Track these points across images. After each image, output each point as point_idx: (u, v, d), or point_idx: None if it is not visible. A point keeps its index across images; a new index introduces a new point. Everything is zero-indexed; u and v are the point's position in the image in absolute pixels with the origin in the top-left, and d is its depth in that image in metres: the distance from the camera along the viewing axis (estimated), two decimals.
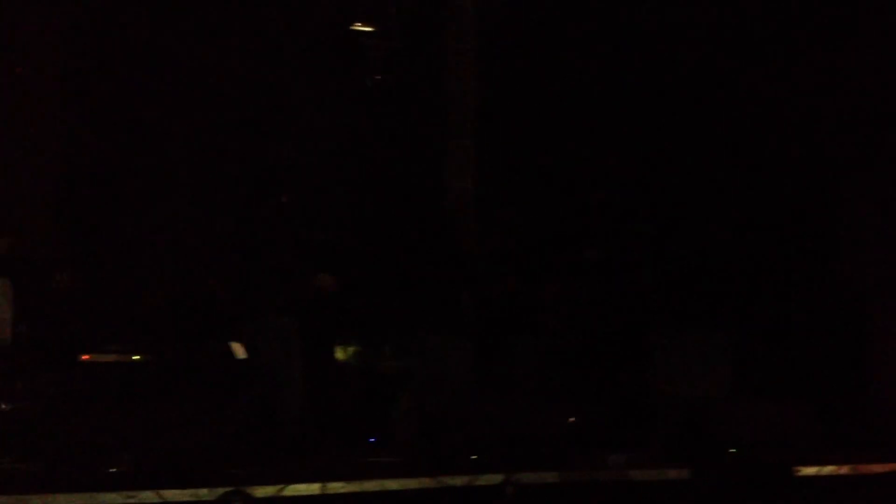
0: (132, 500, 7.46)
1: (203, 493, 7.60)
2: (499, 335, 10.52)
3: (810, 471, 8.90)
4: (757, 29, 11.57)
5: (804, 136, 11.38)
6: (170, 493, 7.56)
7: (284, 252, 9.00)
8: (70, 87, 10.99)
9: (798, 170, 11.45)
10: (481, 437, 9.08)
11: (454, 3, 12.73)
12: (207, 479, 7.83)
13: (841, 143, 11.18)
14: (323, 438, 9.22)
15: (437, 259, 10.08)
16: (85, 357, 9.06)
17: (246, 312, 8.99)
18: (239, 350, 9.64)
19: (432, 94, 12.73)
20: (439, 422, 9.09)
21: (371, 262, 11.24)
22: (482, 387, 10.08)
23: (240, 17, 11.69)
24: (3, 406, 8.40)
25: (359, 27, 12.27)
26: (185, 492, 7.60)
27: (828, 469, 8.95)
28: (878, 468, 9.00)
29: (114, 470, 8.05)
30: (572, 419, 9.80)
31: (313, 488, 7.96)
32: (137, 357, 9.46)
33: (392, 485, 8.18)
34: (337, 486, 8.04)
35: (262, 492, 7.74)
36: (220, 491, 7.54)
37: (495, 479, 8.36)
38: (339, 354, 10.56)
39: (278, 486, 7.84)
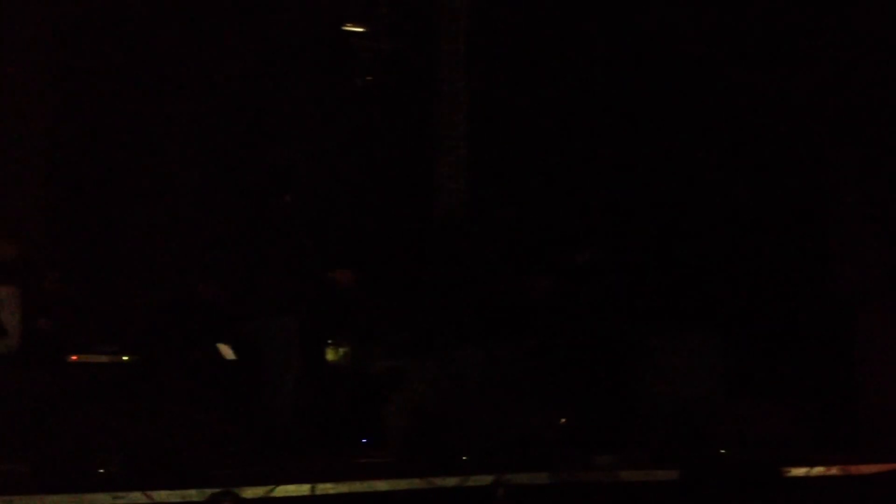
0: (121, 501, 7.45)
1: (192, 493, 7.58)
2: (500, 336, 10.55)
3: (800, 471, 8.89)
4: (748, 31, 11.58)
5: (795, 140, 11.39)
6: (158, 494, 7.54)
7: (286, 251, 9.01)
8: (61, 88, 10.97)
9: (789, 173, 11.47)
10: (472, 437, 9.08)
11: (446, 4, 12.75)
12: (196, 479, 7.82)
13: (832, 148, 11.20)
14: (314, 439, 9.22)
15: (433, 260, 10.10)
16: (74, 358, 9.05)
17: (245, 312, 9.00)
18: (227, 351, 9.64)
19: (424, 95, 12.74)
20: (437, 422, 9.10)
21: (364, 262, 11.23)
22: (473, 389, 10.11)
23: (231, 17, 11.68)
24: None
25: (350, 28, 12.26)
26: (174, 492, 7.58)
27: (817, 470, 8.95)
28: (867, 469, 9.00)
29: (102, 471, 8.03)
30: (563, 420, 9.80)
31: (303, 489, 7.95)
32: (126, 358, 9.45)
33: (382, 485, 8.17)
34: (327, 487, 8.02)
35: (251, 492, 7.72)
36: (210, 492, 7.51)
37: (486, 479, 8.35)
38: (331, 354, 10.56)
39: (268, 487, 7.83)
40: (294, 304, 8.91)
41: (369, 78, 12.41)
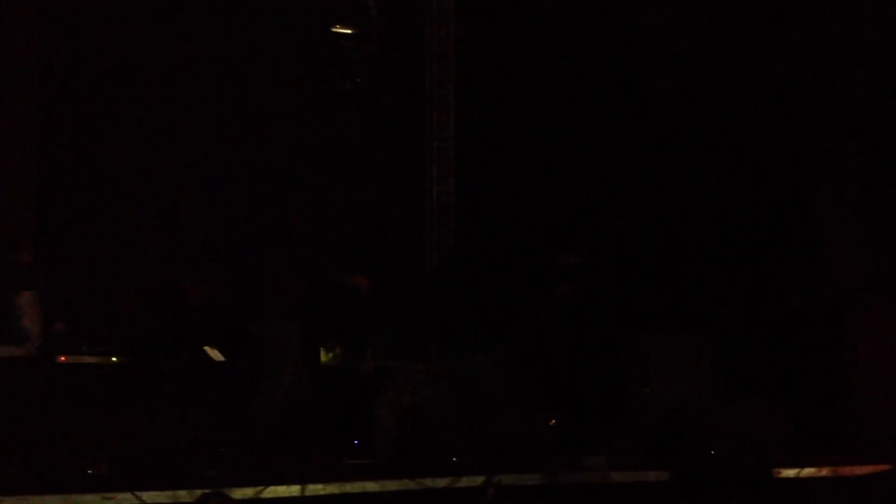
0: (110, 502, 7.42)
1: (182, 494, 7.56)
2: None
3: (790, 472, 8.91)
4: (732, 30, 11.61)
5: (783, 139, 11.42)
6: (148, 495, 7.52)
7: (290, 254, 9.03)
8: (49, 86, 10.93)
9: (778, 174, 11.49)
10: (463, 438, 9.07)
11: (435, 6, 12.76)
12: (186, 480, 7.80)
13: (820, 150, 11.22)
14: (305, 440, 9.21)
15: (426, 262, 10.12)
16: (62, 359, 9.01)
17: (244, 314, 9.01)
18: (215, 354, 9.63)
19: (414, 98, 12.75)
20: (427, 424, 9.09)
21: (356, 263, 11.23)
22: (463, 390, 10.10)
23: (221, 19, 11.66)
24: None
25: (339, 30, 12.25)
26: (164, 493, 7.56)
27: (807, 471, 8.97)
28: (857, 470, 9.02)
29: (92, 471, 8.02)
30: (553, 421, 9.80)
31: (293, 490, 7.93)
32: (115, 359, 9.42)
33: (372, 486, 8.16)
34: (317, 488, 8.01)
35: (240, 493, 7.70)
36: (199, 492, 7.49)
37: (476, 480, 8.35)
38: (322, 355, 10.54)
39: (257, 488, 7.81)
40: (297, 308, 8.93)
41: (358, 80, 12.38)
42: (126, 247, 10.98)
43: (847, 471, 9.02)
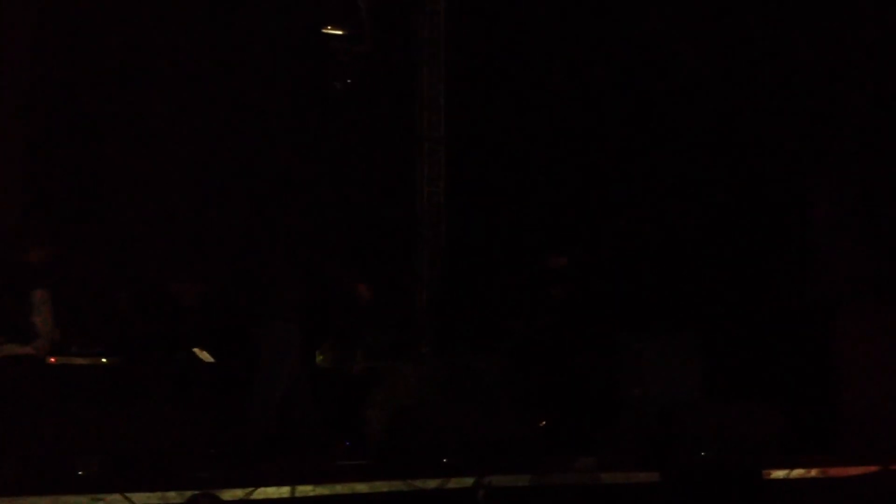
0: (100, 503, 7.41)
1: (171, 495, 7.55)
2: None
3: (779, 474, 8.92)
4: (726, 29, 11.63)
5: (774, 140, 11.43)
6: (138, 496, 7.50)
7: (290, 256, 9.02)
8: (36, 84, 10.90)
9: (768, 175, 11.50)
10: (453, 440, 9.06)
11: (426, 7, 12.76)
12: (176, 481, 7.79)
13: (811, 149, 11.24)
14: (295, 441, 9.19)
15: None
16: (52, 359, 8.99)
17: (249, 316, 9.01)
18: (204, 355, 9.62)
19: (405, 99, 12.74)
20: (417, 425, 9.08)
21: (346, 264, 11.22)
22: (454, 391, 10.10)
23: (210, 20, 11.65)
24: None
25: (330, 31, 12.24)
26: (154, 494, 7.55)
27: (797, 472, 8.98)
28: (847, 471, 9.03)
29: (81, 472, 7.99)
30: (543, 422, 9.80)
31: (283, 491, 7.92)
32: (105, 360, 9.40)
33: (362, 488, 8.15)
34: (307, 489, 8.00)
35: (230, 495, 7.69)
36: (189, 494, 7.47)
37: (466, 482, 8.34)
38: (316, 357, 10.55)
39: (247, 489, 7.80)
40: (298, 309, 8.94)
41: (349, 81, 12.36)
42: (116, 248, 10.95)
43: (837, 472, 9.03)
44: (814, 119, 11.16)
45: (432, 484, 8.32)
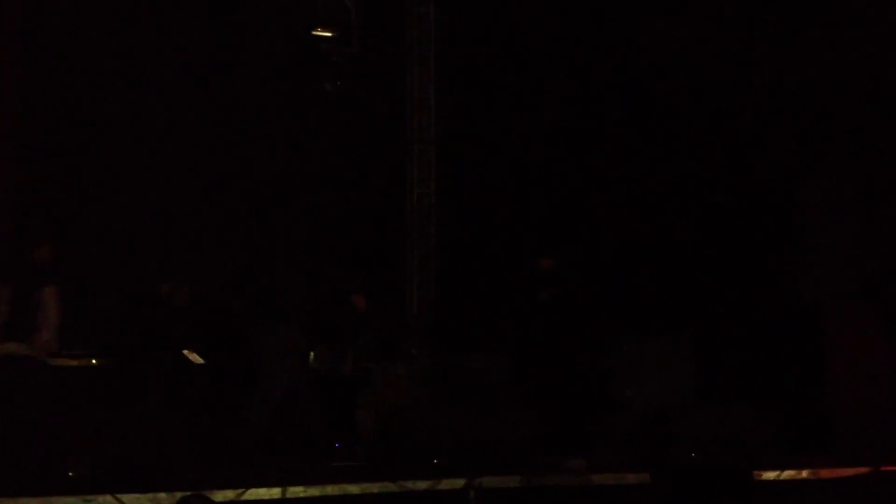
0: None
1: (162, 496, 7.54)
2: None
3: (770, 475, 8.92)
4: (721, 30, 11.64)
5: (764, 143, 11.45)
6: (128, 497, 7.49)
7: (291, 259, 9.05)
8: (26, 85, 10.87)
9: (759, 178, 11.52)
10: (444, 441, 9.06)
11: (416, 9, 12.76)
12: (166, 482, 7.77)
13: (804, 150, 11.26)
14: (286, 442, 9.19)
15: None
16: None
17: (249, 317, 9.01)
18: (194, 357, 9.60)
19: (395, 100, 12.73)
20: (408, 426, 9.09)
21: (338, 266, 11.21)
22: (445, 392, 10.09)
23: (201, 23, 11.65)
24: None
25: (320, 33, 12.22)
26: (144, 496, 7.54)
27: (787, 473, 8.99)
28: (837, 472, 9.04)
29: (72, 474, 7.97)
30: (535, 424, 9.79)
31: (274, 492, 7.92)
32: (95, 361, 9.37)
33: (353, 489, 8.15)
34: (297, 491, 7.99)
35: (221, 496, 7.69)
36: (180, 495, 7.45)
37: (457, 483, 8.34)
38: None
39: (238, 490, 7.79)
40: (298, 310, 8.95)
41: (339, 83, 12.34)
42: (107, 249, 10.93)
43: (828, 473, 9.03)
44: (807, 120, 11.18)
45: (423, 485, 8.32)
